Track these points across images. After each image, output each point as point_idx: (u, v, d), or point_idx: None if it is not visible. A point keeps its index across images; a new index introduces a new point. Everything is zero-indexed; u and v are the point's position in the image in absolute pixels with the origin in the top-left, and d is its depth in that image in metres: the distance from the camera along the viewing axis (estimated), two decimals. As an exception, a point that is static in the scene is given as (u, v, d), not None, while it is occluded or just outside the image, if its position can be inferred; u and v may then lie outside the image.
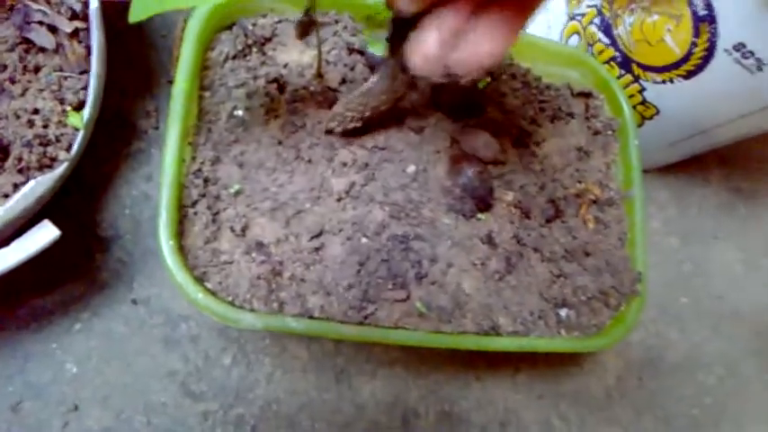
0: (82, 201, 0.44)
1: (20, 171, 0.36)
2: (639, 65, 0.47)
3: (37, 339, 0.41)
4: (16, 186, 0.36)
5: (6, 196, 0.35)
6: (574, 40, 0.52)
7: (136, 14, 0.27)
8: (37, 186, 0.35)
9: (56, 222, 0.35)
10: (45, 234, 0.34)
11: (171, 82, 0.47)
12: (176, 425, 0.42)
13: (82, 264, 0.43)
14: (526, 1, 0.28)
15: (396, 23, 0.34)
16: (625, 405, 0.53)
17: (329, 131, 0.41)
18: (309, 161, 0.41)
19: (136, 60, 0.47)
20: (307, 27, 0.40)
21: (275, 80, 0.42)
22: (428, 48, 0.29)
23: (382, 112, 0.41)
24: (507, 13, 0.28)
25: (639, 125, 0.52)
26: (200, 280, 0.37)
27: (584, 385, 0.52)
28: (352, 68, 0.44)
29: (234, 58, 0.42)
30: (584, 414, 0.51)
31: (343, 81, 0.43)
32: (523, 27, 0.29)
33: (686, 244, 0.60)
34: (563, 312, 0.43)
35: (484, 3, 0.28)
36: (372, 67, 0.44)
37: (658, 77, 0.46)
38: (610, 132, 0.48)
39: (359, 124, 0.41)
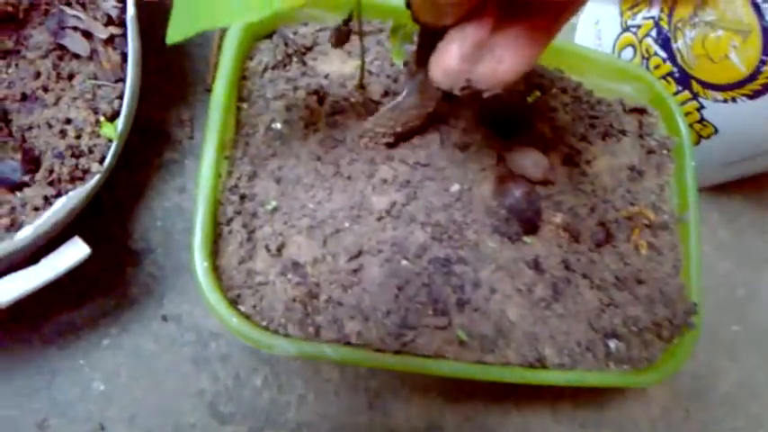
0: (113, 212, 0.42)
1: (50, 183, 0.35)
2: (699, 82, 0.44)
3: (64, 355, 0.40)
4: (47, 199, 0.34)
5: (36, 209, 0.34)
6: (628, 53, 0.49)
7: (172, 36, 0.26)
8: (68, 201, 0.33)
9: (86, 235, 0.34)
10: (75, 252, 0.33)
11: (208, 90, 0.46)
12: (204, 447, 0.41)
13: (112, 278, 0.41)
14: (551, 16, 0.26)
15: (423, 36, 0.32)
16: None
17: (366, 146, 0.40)
18: (349, 177, 0.39)
19: (171, 68, 0.46)
20: (344, 35, 0.39)
21: (315, 92, 0.40)
22: (448, 61, 0.28)
23: (413, 127, 0.39)
24: (531, 28, 0.26)
25: (695, 144, 0.49)
26: (233, 302, 0.35)
27: (628, 415, 0.50)
28: (395, 80, 0.42)
29: (273, 68, 0.41)
30: (628, 446, 0.49)
31: (386, 93, 0.41)
32: (547, 43, 0.27)
33: (739, 268, 0.57)
34: (612, 344, 0.41)
35: (508, 17, 0.26)
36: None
37: (720, 96, 0.43)
38: (665, 152, 0.46)
39: (391, 140, 0.39)
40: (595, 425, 0.49)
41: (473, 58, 0.28)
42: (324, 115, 0.40)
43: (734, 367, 0.54)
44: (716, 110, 0.44)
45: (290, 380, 0.43)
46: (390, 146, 0.40)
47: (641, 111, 0.46)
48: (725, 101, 0.43)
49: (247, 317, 0.35)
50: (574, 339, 0.40)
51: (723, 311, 0.55)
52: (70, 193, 0.33)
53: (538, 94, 0.44)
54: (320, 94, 0.40)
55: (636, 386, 0.41)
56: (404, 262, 0.38)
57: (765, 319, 0.57)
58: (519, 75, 0.28)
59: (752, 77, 0.40)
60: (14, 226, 0.33)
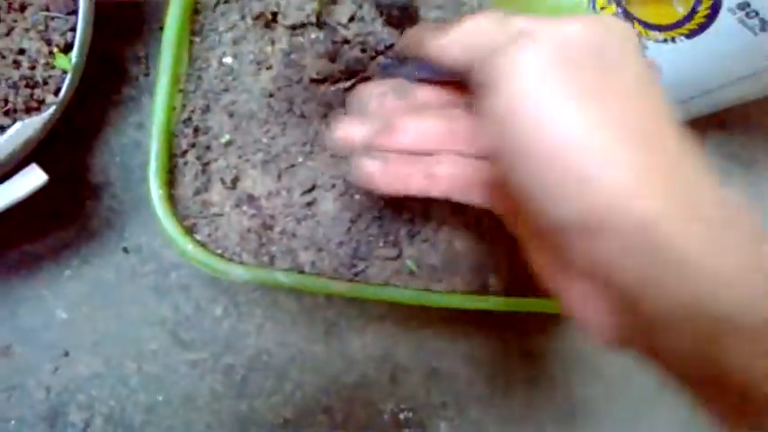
0: (71, 147, 0.43)
1: (6, 113, 0.35)
2: (641, 22, 0.46)
3: (28, 285, 0.41)
4: (2, 129, 0.35)
5: (-8, 139, 0.35)
6: (577, -5, 0.50)
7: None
8: (24, 129, 0.34)
9: (44, 168, 0.35)
10: (33, 178, 0.34)
11: (162, 28, 0.46)
12: (166, 372, 0.43)
13: (72, 210, 0.42)
14: None
15: None
16: (612, 363, 0.53)
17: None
18: (302, 116, 0.40)
19: (126, 3, 0.46)
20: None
21: (261, 15, 0.40)
22: None
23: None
24: None
25: (640, 86, 0.51)
26: (189, 231, 0.36)
27: (572, 344, 0.53)
28: (361, 6, 0.42)
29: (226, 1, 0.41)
30: (570, 371, 0.52)
31: (352, 19, 0.41)
32: None
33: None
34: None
35: None
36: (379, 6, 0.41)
37: (660, 36, 0.45)
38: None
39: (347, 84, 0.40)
40: (540, 352, 0.52)
41: None
42: (278, 52, 0.40)
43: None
44: (657, 50, 0.45)
45: (250, 309, 0.45)
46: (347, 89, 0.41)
47: (587, 52, 0.48)
48: (665, 41, 0.44)
49: (203, 245, 0.36)
50: (518, 268, 0.42)
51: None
52: (25, 121, 0.34)
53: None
54: (269, 17, 0.40)
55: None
56: (357, 196, 0.40)
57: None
58: None
59: (689, 17, 0.42)
60: (-30, 155, 0.34)
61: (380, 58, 0.39)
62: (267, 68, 0.40)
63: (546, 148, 0.20)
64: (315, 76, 0.38)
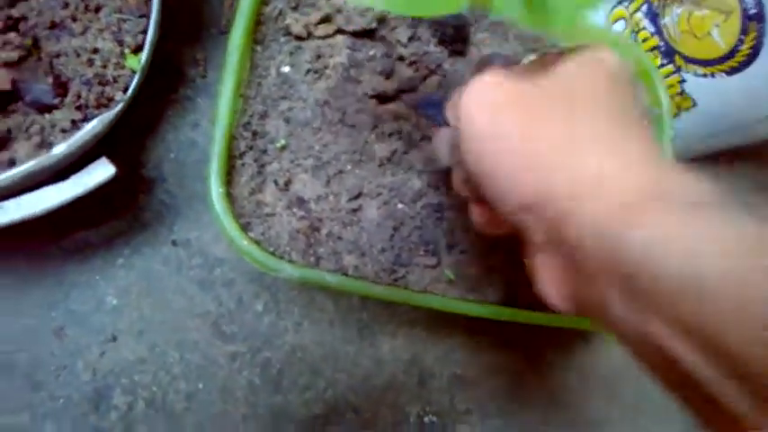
0: (129, 142, 0.45)
1: (78, 108, 0.38)
2: (683, 56, 0.47)
3: (81, 270, 0.43)
4: (74, 123, 0.37)
5: (64, 131, 0.37)
6: (619, 25, 0.52)
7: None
8: (97, 124, 0.36)
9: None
10: (102, 171, 0.36)
11: (222, 32, 0.48)
12: (206, 362, 0.44)
13: (127, 203, 0.44)
14: None
15: None
16: (629, 386, 0.55)
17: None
18: (353, 126, 0.42)
19: (187, 7, 0.48)
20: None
21: (326, 19, 0.42)
22: None
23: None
24: None
25: (675, 116, 0.52)
26: (243, 228, 0.38)
27: (592, 362, 0.54)
28: (417, 26, 0.43)
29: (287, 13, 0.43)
30: (589, 389, 0.53)
31: (411, 38, 0.43)
32: None
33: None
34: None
35: None
36: (434, 26, 0.43)
37: (701, 71, 0.47)
38: (646, 122, 0.49)
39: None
40: (561, 368, 0.53)
41: None
42: (337, 65, 0.42)
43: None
44: (696, 84, 0.47)
45: (289, 307, 0.47)
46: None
47: (628, 80, 0.49)
48: (704, 75, 0.46)
49: (257, 242, 0.38)
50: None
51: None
52: (101, 117, 0.36)
53: (533, 56, 0.47)
54: (331, 21, 0.42)
55: (597, 329, 0.45)
56: (400, 205, 0.42)
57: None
58: None
59: (730, 55, 0.43)
60: (44, 145, 0.36)
61: (426, 85, 0.42)
62: (324, 78, 0.42)
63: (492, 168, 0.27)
64: (371, 92, 0.40)
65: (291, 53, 0.42)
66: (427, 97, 0.42)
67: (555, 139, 0.25)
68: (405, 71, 0.42)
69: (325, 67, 0.42)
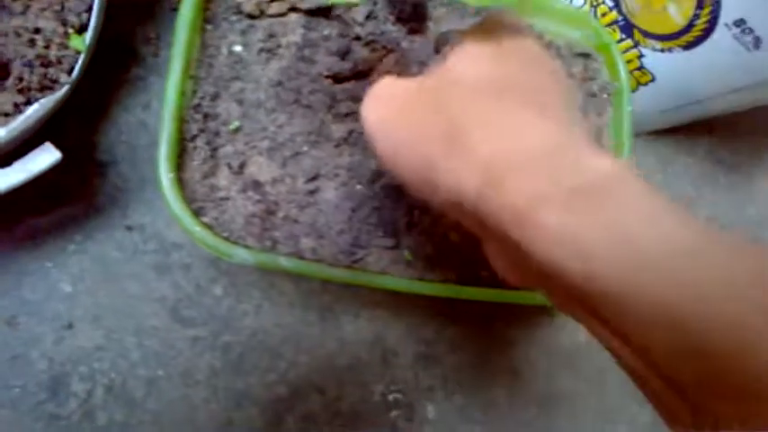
0: (78, 125, 0.44)
1: (20, 91, 0.36)
2: (641, 31, 0.47)
3: (32, 257, 0.42)
4: (17, 106, 0.36)
5: (7, 115, 0.36)
6: (578, 0, 0.52)
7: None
8: (39, 108, 0.35)
9: (53, 144, 0.36)
10: (47, 156, 0.35)
11: (174, 9, 0.46)
12: (166, 347, 0.44)
13: (78, 187, 0.43)
14: None
15: None
16: (592, 360, 0.56)
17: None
18: (309, 106, 0.41)
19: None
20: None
21: None
22: None
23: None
24: None
25: (634, 90, 0.52)
26: (196, 213, 0.38)
27: (556, 338, 0.55)
28: (375, 3, 0.43)
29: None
30: (552, 364, 0.54)
31: (368, 17, 0.42)
32: None
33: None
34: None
35: None
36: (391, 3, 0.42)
37: (658, 45, 0.47)
38: (605, 96, 0.49)
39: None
40: (525, 343, 0.54)
41: None
42: (290, 44, 0.41)
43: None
44: (654, 59, 0.47)
45: (248, 291, 0.46)
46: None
47: (586, 55, 0.49)
48: (662, 50, 0.46)
49: (209, 227, 0.38)
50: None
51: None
52: (42, 101, 0.34)
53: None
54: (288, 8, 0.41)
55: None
56: (358, 186, 0.41)
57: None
58: None
59: (686, 29, 0.43)
60: (-16, 130, 0.35)
61: (384, 64, 0.41)
62: (276, 59, 0.41)
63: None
64: (326, 73, 0.40)
65: (243, 32, 0.41)
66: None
67: (439, 141, 0.24)
68: (361, 51, 0.41)
69: (279, 47, 0.41)
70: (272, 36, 0.41)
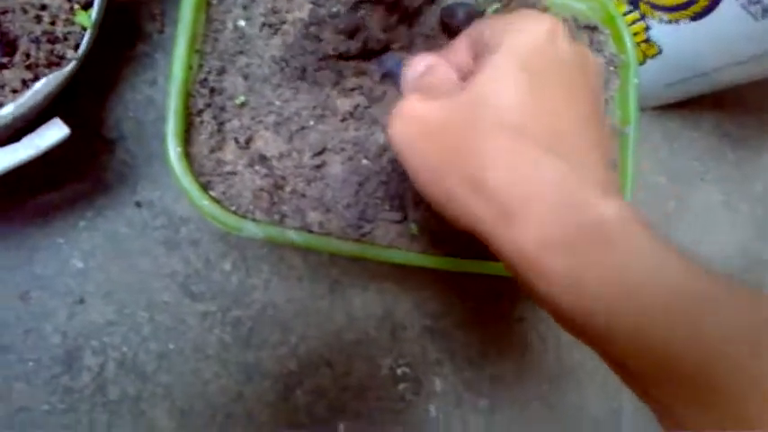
0: (86, 102, 0.44)
1: (28, 67, 0.36)
2: (648, 3, 0.47)
3: (44, 233, 0.43)
4: (24, 82, 0.36)
5: (15, 91, 0.36)
6: (586, -29, 0.51)
7: None
8: (47, 84, 0.35)
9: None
10: (55, 132, 0.35)
11: (178, -14, 0.46)
12: (176, 322, 0.45)
13: (87, 164, 0.44)
14: None
15: None
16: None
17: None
18: (315, 82, 0.41)
19: (141, -40, 0.46)
20: None
21: None
22: None
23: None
24: None
25: (640, 63, 0.52)
26: (204, 187, 0.38)
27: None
28: None
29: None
30: (561, 338, 0.55)
31: None
32: None
33: (673, 184, 0.62)
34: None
35: None
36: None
37: (665, 17, 0.46)
38: (612, 68, 0.49)
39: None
40: (534, 318, 0.54)
41: None
42: (296, 20, 0.41)
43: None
44: (661, 30, 0.47)
45: (257, 265, 0.47)
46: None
47: (593, 28, 0.49)
48: (669, 22, 0.46)
49: (218, 202, 0.38)
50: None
51: (654, 223, 0.61)
52: (50, 76, 0.35)
53: (497, 5, 0.46)
54: None
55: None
56: (364, 161, 0.41)
57: (693, 231, 0.62)
58: None
59: (694, 0, 0.43)
60: (-7, 106, 0.35)
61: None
62: (281, 34, 0.41)
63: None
64: (331, 53, 0.39)
65: (246, 6, 0.40)
66: (389, 56, 0.42)
67: (458, 175, 0.25)
68: (371, 33, 0.41)
69: (283, 23, 0.41)
70: (275, 12, 0.41)
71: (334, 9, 0.41)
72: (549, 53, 0.26)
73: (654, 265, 0.22)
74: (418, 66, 0.31)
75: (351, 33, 0.40)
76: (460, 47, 0.32)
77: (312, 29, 0.40)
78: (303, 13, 0.41)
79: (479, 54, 0.28)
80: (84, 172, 0.44)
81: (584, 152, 0.25)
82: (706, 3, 0.42)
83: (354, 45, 0.40)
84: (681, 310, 0.21)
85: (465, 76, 0.32)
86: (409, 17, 0.43)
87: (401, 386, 0.50)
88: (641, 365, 0.22)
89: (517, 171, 0.24)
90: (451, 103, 0.27)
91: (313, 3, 0.40)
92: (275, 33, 0.41)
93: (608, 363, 0.24)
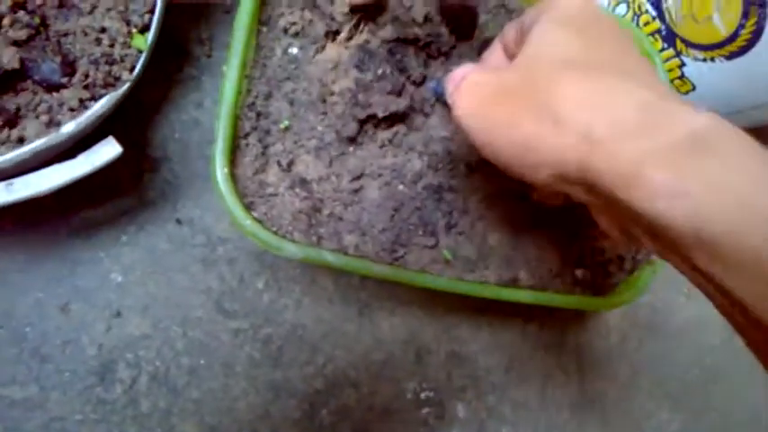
0: (135, 121, 0.45)
1: (85, 87, 0.38)
2: (683, 41, 0.48)
3: (86, 247, 0.44)
4: (82, 102, 0.38)
5: (72, 110, 0.37)
6: (621, 8, 0.52)
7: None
8: (105, 104, 0.36)
9: (113, 139, 0.37)
10: (109, 150, 0.36)
11: (227, 12, 0.48)
12: (209, 338, 0.46)
13: (132, 181, 0.45)
14: None
15: None
16: (624, 364, 0.56)
17: None
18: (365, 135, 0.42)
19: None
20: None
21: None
22: None
23: None
24: None
25: (673, 100, 0.53)
26: (247, 208, 0.39)
27: (588, 341, 0.56)
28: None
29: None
30: (584, 367, 0.55)
31: (426, 19, 0.42)
32: None
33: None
34: (579, 272, 0.46)
35: None
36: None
37: (700, 55, 0.47)
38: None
39: None
40: (558, 346, 0.55)
41: None
42: (344, 91, 0.42)
43: (688, 303, 0.60)
44: (695, 68, 0.47)
45: (289, 285, 0.48)
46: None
47: (628, 65, 0.50)
48: (704, 60, 0.47)
49: (259, 222, 0.39)
50: (546, 266, 0.45)
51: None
52: (108, 96, 0.36)
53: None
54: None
55: (596, 309, 0.46)
56: (400, 186, 0.42)
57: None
58: None
59: (730, 39, 0.44)
60: (52, 124, 0.37)
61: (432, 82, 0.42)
62: (330, 105, 0.41)
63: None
64: (381, 114, 0.40)
65: (297, 35, 0.42)
66: (430, 80, 0.43)
67: (533, 120, 0.26)
68: (417, 91, 0.42)
69: (332, 94, 0.41)
70: (323, 85, 0.41)
71: (379, 71, 0.41)
72: (586, 13, 0.28)
73: (757, 169, 0.21)
74: (457, 76, 0.33)
75: (399, 92, 0.41)
76: (496, 52, 0.35)
77: (360, 96, 0.41)
78: (349, 81, 0.41)
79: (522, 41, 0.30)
80: (128, 189, 0.45)
81: (650, 74, 0.26)
82: (743, 43, 0.43)
83: (403, 103, 0.41)
84: None
85: None
86: (443, 54, 0.44)
87: (425, 410, 0.51)
88: (741, 279, 0.21)
89: (595, 97, 0.24)
90: (509, 67, 0.28)
91: (357, 67, 0.41)
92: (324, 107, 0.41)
93: (704, 286, 0.24)
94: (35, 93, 0.36)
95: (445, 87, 0.34)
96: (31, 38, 0.36)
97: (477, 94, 0.29)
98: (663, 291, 0.59)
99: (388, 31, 0.41)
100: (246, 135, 0.40)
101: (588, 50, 0.26)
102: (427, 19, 0.41)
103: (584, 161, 0.24)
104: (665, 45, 0.49)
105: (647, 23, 0.50)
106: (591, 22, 0.28)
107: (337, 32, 0.41)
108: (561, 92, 0.25)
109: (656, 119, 0.23)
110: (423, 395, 0.51)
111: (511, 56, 0.34)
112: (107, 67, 0.38)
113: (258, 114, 0.40)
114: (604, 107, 0.24)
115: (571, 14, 0.28)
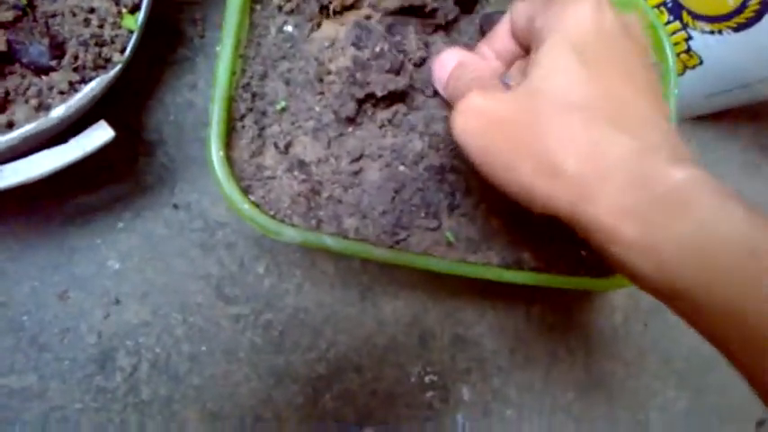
0: (128, 104, 0.44)
1: (75, 70, 0.37)
2: (690, 12, 0.46)
3: (82, 234, 0.43)
4: (71, 84, 0.37)
5: (62, 93, 0.36)
6: (626, -20, 0.51)
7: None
8: (95, 86, 0.35)
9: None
10: (101, 134, 0.35)
11: (220, -9, 0.47)
12: (209, 324, 0.45)
13: (127, 166, 0.44)
14: None
15: None
16: (629, 344, 0.55)
17: None
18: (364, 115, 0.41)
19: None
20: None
21: None
22: None
23: None
24: None
25: (680, 74, 0.52)
26: (244, 192, 0.38)
27: (593, 322, 0.55)
28: None
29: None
30: (589, 348, 0.54)
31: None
32: None
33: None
34: (583, 253, 0.45)
35: None
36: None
37: (707, 27, 0.46)
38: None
39: None
40: (562, 327, 0.54)
41: None
42: (341, 70, 0.40)
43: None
44: (702, 41, 0.46)
45: (290, 269, 0.47)
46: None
47: (633, 38, 0.48)
48: (711, 32, 0.45)
49: (257, 206, 0.38)
50: (550, 247, 0.44)
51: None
52: (98, 78, 0.35)
53: None
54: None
55: (601, 289, 0.46)
56: (401, 167, 0.41)
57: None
58: None
59: (738, 11, 0.42)
60: (41, 107, 0.36)
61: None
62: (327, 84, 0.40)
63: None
64: (380, 93, 0.39)
65: (291, 11, 0.41)
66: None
67: (530, 161, 0.26)
68: (416, 70, 0.41)
69: (329, 73, 0.40)
70: (320, 64, 0.40)
71: (377, 49, 0.40)
72: (598, 29, 0.27)
73: (727, 225, 0.22)
74: (447, 63, 0.32)
75: (397, 70, 0.40)
76: (502, 34, 0.34)
77: (358, 75, 0.39)
78: (347, 60, 0.40)
79: (529, 40, 0.30)
80: (123, 174, 0.44)
81: (648, 121, 0.26)
82: (751, 14, 0.42)
83: (402, 81, 0.40)
84: (756, 268, 0.21)
85: (509, 62, 0.34)
86: (444, 27, 0.43)
87: (429, 394, 0.50)
88: (720, 323, 0.23)
89: (589, 150, 0.25)
90: (513, 95, 0.28)
91: (354, 45, 0.40)
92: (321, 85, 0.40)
93: (687, 321, 0.26)
94: (23, 76, 0.35)
95: (432, 69, 0.33)
96: (17, 19, 0.35)
97: (477, 119, 0.29)
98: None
99: (394, 0, 0.40)
100: (242, 117, 0.39)
101: (591, 87, 0.26)
102: None
103: (574, 211, 0.25)
104: (671, 17, 0.48)
105: (654, -6, 0.48)
106: (603, 49, 0.27)
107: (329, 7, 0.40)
108: (560, 141, 0.26)
109: (642, 173, 0.24)
110: (427, 379, 0.50)
111: (519, 42, 0.33)
112: (97, 49, 0.37)
113: (253, 95, 0.39)
114: (593, 160, 0.25)
115: (586, 40, 0.27)
